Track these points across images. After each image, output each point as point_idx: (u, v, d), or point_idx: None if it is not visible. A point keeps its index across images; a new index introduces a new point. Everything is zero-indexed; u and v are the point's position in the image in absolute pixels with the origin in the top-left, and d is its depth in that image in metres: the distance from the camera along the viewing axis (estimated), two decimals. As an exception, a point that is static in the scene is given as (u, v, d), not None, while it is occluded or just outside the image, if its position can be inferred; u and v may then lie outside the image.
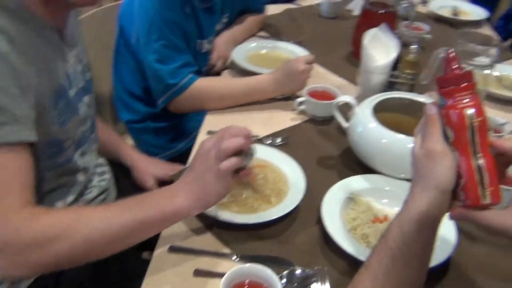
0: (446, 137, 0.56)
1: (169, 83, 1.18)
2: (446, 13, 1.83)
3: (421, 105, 1.01)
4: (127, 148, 1.22)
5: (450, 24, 1.79)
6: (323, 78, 1.35)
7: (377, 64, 1.07)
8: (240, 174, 0.76)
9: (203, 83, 1.20)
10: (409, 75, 1.29)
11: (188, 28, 1.27)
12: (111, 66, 1.43)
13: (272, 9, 1.78)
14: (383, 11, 1.41)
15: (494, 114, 1.21)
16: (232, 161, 0.71)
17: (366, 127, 0.96)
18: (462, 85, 0.55)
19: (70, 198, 0.90)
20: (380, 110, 0.99)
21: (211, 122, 1.16)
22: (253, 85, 1.21)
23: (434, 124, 0.56)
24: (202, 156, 0.72)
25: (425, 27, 1.57)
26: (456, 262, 0.78)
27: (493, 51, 1.08)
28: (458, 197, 0.56)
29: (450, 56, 0.57)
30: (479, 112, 0.54)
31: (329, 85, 1.20)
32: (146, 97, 1.37)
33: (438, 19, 1.81)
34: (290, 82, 1.20)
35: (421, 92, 1.31)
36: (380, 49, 1.11)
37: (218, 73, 1.45)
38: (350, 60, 1.49)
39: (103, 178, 1.04)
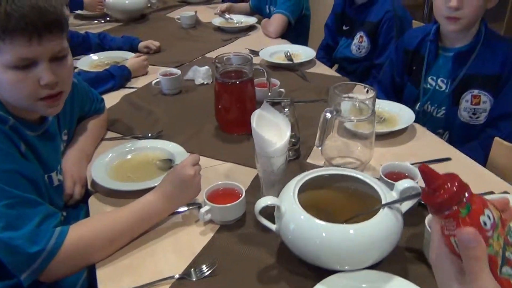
0: None
1: (31, 253, 0.86)
2: (281, 59, 1.87)
3: (339, 177, 0.95)
4: None
5: (287, 68, 1.84)
6: (208, 168, 1.20)
7: (276, 147, 0.97)
8: None
9: (79, 232, 0.92)
10: (293, 138, 1.24)
11: (29, 169, 0.96)
12: None
13: (108, 101, 1.55)
14: (239, 81, 1.33)
15: (378, 152, 1.24)
16: None
17: (299, 225, 0.84)
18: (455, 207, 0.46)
19: None
20: (299, 192, 0.89)
21: (108, 280, 0.89)
22: (142, 211, 0.97)
23: (477, 259, 0.45)
24: None
25: (275, 81, 1.55)
26: None
27: (371, 98, 1.09)
28: None
29: (426, 173, 0.47)
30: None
31: (227, 181, 1.05)
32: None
33: (274, 67, 1.84)
34: (184, 192, 1.01)
35: (307, 152, 1.28)
36: (270, 128, 1.01)
37: (81, 201, 1.17)
38: (221, 136, 1.38)
39: None
